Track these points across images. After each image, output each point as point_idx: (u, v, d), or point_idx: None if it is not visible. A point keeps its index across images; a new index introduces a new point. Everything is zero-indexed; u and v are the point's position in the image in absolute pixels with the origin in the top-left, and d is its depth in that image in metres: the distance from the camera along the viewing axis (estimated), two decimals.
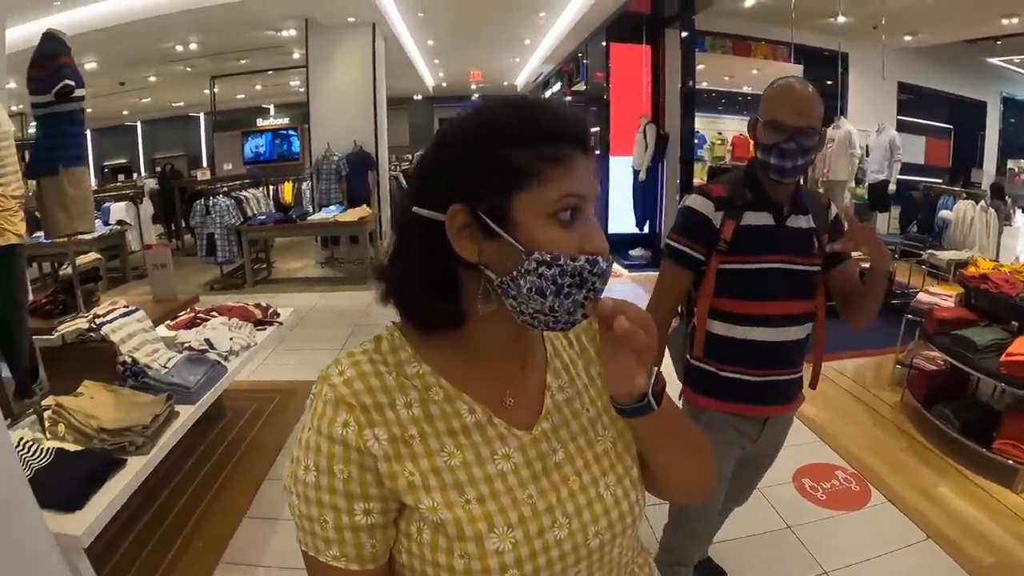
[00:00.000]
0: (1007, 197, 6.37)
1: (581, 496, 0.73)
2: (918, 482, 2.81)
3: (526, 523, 0.68)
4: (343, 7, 7.41)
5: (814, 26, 7.06)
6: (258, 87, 12.09)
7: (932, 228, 5.98)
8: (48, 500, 1.63)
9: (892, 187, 6.91)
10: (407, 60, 11.03)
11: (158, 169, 11.26)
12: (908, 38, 7.75)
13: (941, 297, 3.71)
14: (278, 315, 3.49)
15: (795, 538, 2.46)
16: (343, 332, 4.90)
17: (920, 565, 2.29)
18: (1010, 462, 2.72)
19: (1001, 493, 2.69)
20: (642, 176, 7.43)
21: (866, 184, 7.26)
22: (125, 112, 13.45)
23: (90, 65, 8.14)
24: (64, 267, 6.61)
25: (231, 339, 2.94)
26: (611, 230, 8.26)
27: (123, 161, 14.11)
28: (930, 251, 5.19)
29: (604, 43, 8.16)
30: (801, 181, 1.62)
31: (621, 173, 7.93)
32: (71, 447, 1.95)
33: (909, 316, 3.78)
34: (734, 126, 8.00)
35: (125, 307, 2.81)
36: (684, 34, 7.11)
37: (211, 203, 7.02)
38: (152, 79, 10.51)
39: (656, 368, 0.69)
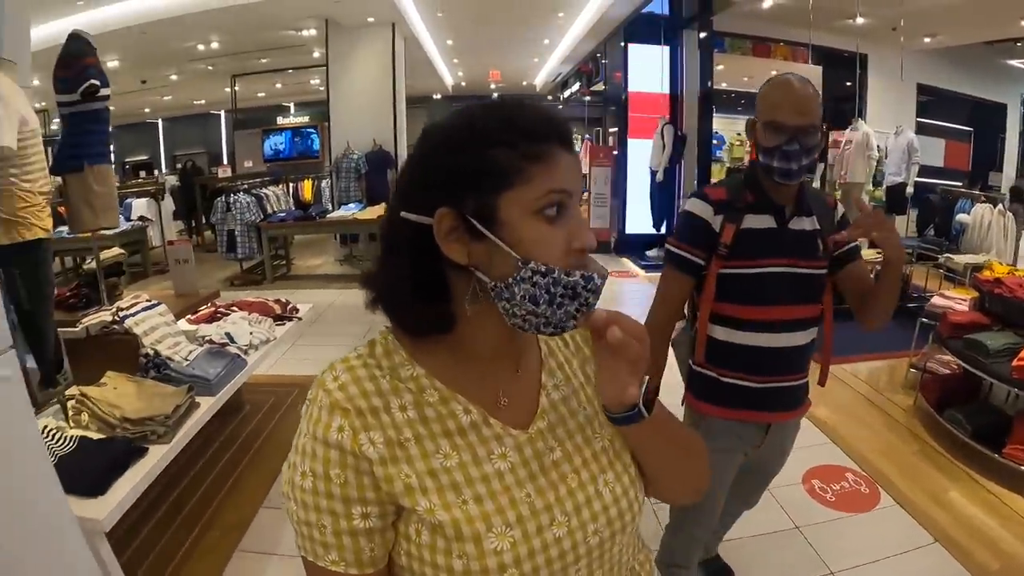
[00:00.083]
0: None
1: (579, 494, 0.72)
2: (928, 486, 2.81)
3: (524, 522, 0.68)
4: (362, 7, 7.48)
5: (833, 27, 7.00)
6: (278, 85, 12.20)
7: (949, 231, 5.90)
8: (72, 486, 1.63)
9: (910, 190, 6.84)
10: (426, 59, 11.09)
11: (179, 166, 11.43)
12: (927, 40, 7.65)
13: (956, 301, 3.68)
14: (297, 311, 3.53)
15: (803, 539, 2.47)
16: (361, 329, 4.94)
17: (927, 568, 2.29)
18: (1021, 468, 2.70)
19: (1012, 499, 2.68)
20: (659, 177, 7.41)
21: (884, 186, 7.19)
22: (147, 109, 13.64)
23: (112, 64, 8.24)
24: (88, 262, 6.73)
25: (251, 333, 2.99)
26: (628, 230, 8.34)
27: (144, 158, 14.26)
28: (947, 255, 5.13)
29: (622, 43, 8.17)
30: (814, 183, 1.58)
31: (638, 174, 7.93)
32: (94, 435, 2.00)
33: (923, 319, 3.75)
34: None
35: (148, 301, 2.88)
36: (703, 35, 7.11)
37: (232, 200, 7.10)
38: (174, 77, 10.66)
39: (647, 376, 0.69)
